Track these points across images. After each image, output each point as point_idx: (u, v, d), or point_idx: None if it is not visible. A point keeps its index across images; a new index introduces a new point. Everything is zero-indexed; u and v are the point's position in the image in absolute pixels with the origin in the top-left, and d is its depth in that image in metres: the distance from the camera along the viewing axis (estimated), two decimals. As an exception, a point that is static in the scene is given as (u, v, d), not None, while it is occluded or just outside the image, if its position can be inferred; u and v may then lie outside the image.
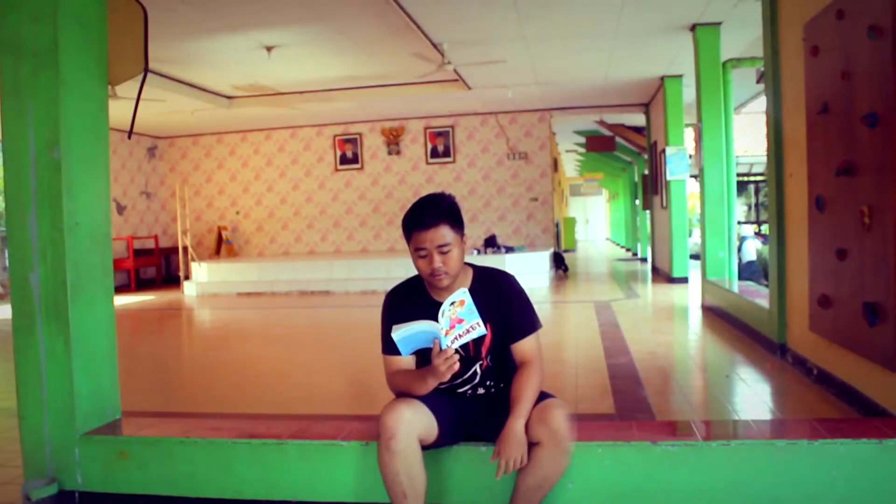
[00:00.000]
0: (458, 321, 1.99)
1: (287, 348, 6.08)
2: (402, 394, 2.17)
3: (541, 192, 12.54)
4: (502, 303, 2.19)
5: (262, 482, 2.54)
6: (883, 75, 2.83)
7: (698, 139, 7.42)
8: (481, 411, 2.26)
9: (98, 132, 2.82)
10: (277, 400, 4.11)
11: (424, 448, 2.15)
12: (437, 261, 2.08)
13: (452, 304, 1.97)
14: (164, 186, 13.92)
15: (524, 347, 2.18)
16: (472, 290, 2.18)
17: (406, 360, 2.22)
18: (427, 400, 2.10)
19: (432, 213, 2.10)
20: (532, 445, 2.06)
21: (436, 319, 2.02)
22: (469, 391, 2.28)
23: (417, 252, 2.11)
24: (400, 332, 1.97)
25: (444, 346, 1.98)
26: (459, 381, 2.24)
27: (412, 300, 2.23)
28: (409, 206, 2.20)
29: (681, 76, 9.50)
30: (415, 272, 2.27)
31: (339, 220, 13.19)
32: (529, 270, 10.18)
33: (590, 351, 5.12)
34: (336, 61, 8.45)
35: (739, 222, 14.01)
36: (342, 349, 5.92)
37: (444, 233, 2.09)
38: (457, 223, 2.14)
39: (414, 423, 2.04)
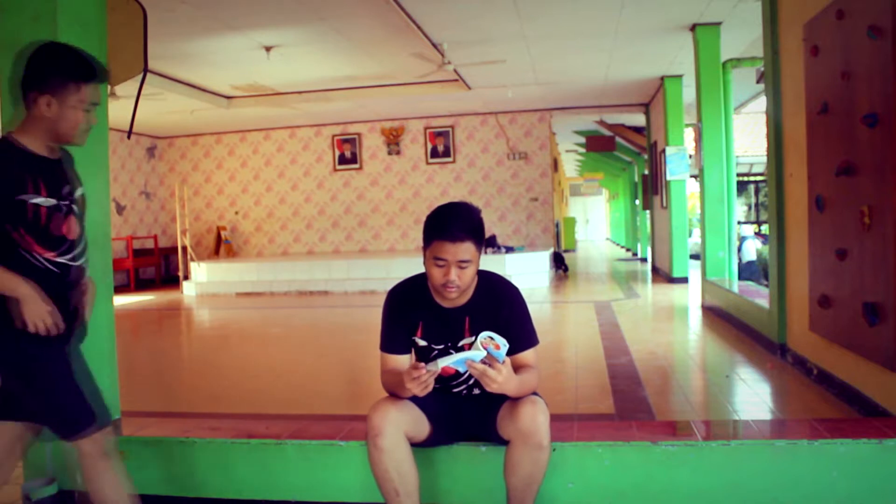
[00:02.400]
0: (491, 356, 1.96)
1: (286, 348, 6.08)
2: (393, 392, 2.18)
3: (541, 192, 12.54)
4: (502, 313, 2.19)
5: (262, 482, 2.54)
6: (883, 75, 2.83)
7: (698, 139, 7.42)
8: (476, 410, 2.27)
9: (97, 132, 2.81)
10: (276, 400, 4.10)
11: (418, 446, 2.17)
12: (454, 274, 2.06)
13: (491, 338, 1.95)
14: (164, 186, 13.91)
15: (522, 360, 2.17)
16: (474, 296, 2.20)
17: (401, 360, 2.23)
18: (419, 398, 2.10)
19: (462, 227, 2.06)
20: (507, 445, 2.11)
21: (437, 323, 2.05)
22: (464, 391, 2.28)
23: (435, 260, 2.08)
24: (444, 362, 1.94)
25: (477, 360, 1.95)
26: (454, 381, 2.25)
27: (416, 302, 2.23)
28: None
29: (681, 76, 9.50)
30: (416, 271, 2.27)
31: (337, 221, 13.18)
32: (529, 270, 10.18)
33: (590, 351, 5.12)
34: (335, 61, 8.44)
35: (739, 222, 14.01)
36: (341, 349, 5.92)
37: (468, 248, 2.06)
38: (481, 241, 2.12)
39: (400, 420, 2.07)
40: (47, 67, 1.95)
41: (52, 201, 1.96)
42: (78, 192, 2.07)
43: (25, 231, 1.92)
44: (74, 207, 2.03)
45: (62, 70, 1.95)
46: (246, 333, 7.24)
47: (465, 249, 2.06)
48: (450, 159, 12.69)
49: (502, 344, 1.95)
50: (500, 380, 1.94)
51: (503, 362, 1.96)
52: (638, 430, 2.53)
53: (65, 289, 2.01)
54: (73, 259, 2.02)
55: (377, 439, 2.02)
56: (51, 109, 1.93)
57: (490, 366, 1.94)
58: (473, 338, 2.13)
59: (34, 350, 1.93)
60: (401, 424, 2.07)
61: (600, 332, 5.91)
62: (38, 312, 1.89)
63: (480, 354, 1.93)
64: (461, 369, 1.98)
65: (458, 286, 2.09)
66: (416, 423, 2.15)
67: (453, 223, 2.07)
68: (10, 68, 2.62)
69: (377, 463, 2.04)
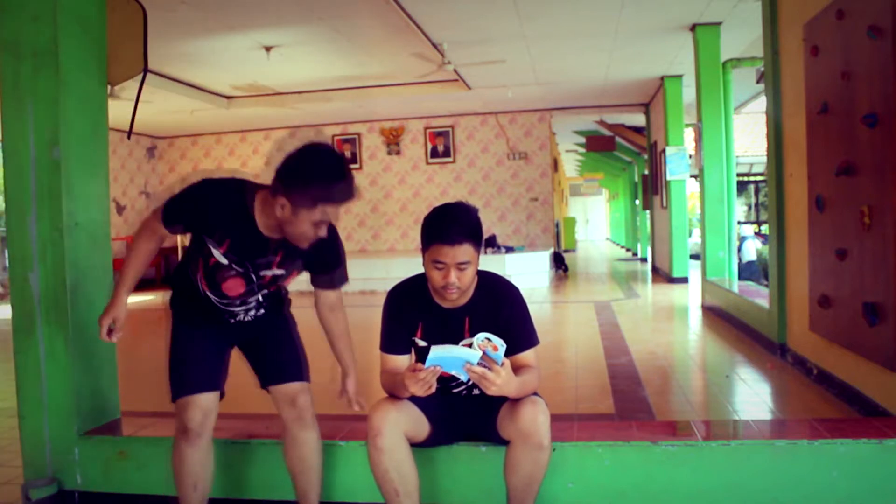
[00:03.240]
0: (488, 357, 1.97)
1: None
2: (392, 392, 2.18)
3: (541, 192, 12.54)
4: (502, 313, 2.19)
5: (262, 482, 2.54)
6: (883, 75, 2.83)
7: (698, 139, 7.42)
8: (476, 411, 2.27)
9: (98, 132, 2.82)
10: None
11: (418, 446, 2.17)
12: (453, 276, 2.06)
13: (488, 339, 1.95)
14: (164, 186, 13.91)
15: (523, 361, 2.17)
16: (474, 297, 2.20)
17: (401, 360, 2.23)
18: (418, 398, 2.10)
19: (459, 229, 2.05)
20: (507, 445, 2.11)
21: (438, 324, 2.06)
22: (464, 391, 2.28)
23: (434, 263, 2.07)
24: (438, 353, 1.94)
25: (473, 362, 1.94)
26: (454, 382, 2.25)
27: (416, 303, 2.23)
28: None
29: (681, 76, 9.50)
30: (416, 271, 2.27)
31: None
32: (529, 270, 10.18)
33: (590, 351, 5.12)
34: (335, 61, 8.44)
35: (739, 222, 14.01)
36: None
37: (466, 250, 2.05)
38: (479, 241, 2.11)
39: (400, 420, 2.07)
40: (296, 173, 1.95)
41: (224, 260, 2.09)
42: (274, 271, 2.15)
43: (202, 261, 2.14)
44: (253, 276, 2.14)
45: (307, 183, 1.93)
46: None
47: (464, 252, 2.05)
48: (450, 159, 12.69)
49: (500, 345, 1.94)
50: (500, 382, 1.93)
51: (502, 364, 1.95)
52: (638, 430, 2.54)
53: (213, 308, 2.21)
54: (226, 305, 2.20)
55: (377, 440, 2.03)
56: (284, 212, 1.97)
57: (489, 368, 1.93)
58: (473, 338, 2.13)
59: (174, 325, 2.30)
60: (400, 425, 2.07)
61: (600, 332, 5.91)
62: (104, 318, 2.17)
63: (476, 355, 1.92)
64: (463, 377, 1.98)
65: (458, 288, 2.09)
66: (415, 423, 2.15)
67: (451, 226, 2.05)
68: (10, 68, 2.64)
69: (377, 463, 2.04)
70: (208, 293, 2.16)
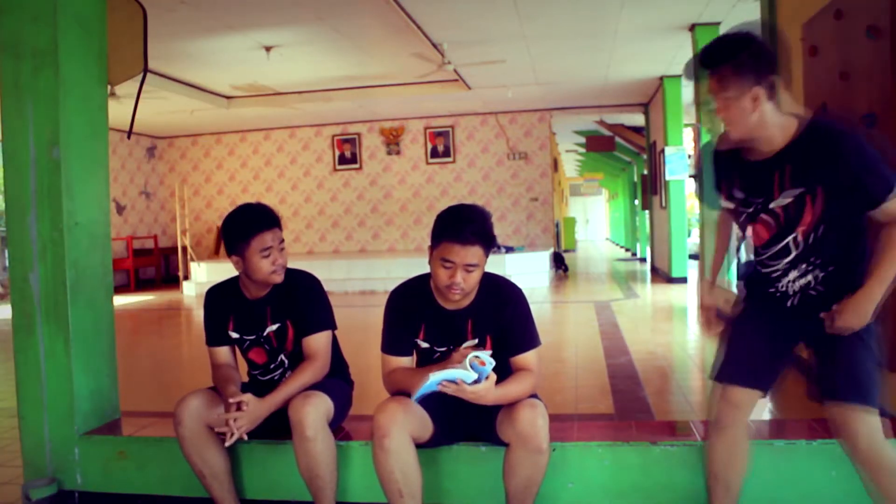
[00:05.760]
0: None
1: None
2: (396, 392, 2.17)
3: (541, 192, 12.54)
4: (504, 314, 2.19)
5: (262, 482, 2.54)
6: (881, 75, 2.83)
7: (697, 139, 7.43)
8: (477, 412, 2.26)
9: (98, 132, 2.83)
10: (277, 400, 4.09)
11: (420, 446, 2.17)
12: (459, 277, 2.06)
13: (477, 356, 1.97)
14: (164, 186, 13.91)
15: (523, 362, 2.17)
16: (477, 298, 2.20)
17: (404, 362, 2.23)
18: (421, 399, 2.10)
19: (473, 230, 2.05)
20: (506, 448, 2.12)
21: (440, 325, 2.09)
22: None
23: (443, 261, 2.07)
24: (438, 376, 1.96)
25: (468, 381, 1.98)
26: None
27: (418, 304, 2.23)
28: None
29: (680, 76, 9.50)
30: (416, 271, 2.27)
31: (337, 221, 13.18)
32: (529, 270, 10.18)
33: (590, 351, 5.12)
34: (335, 61, 8.45)
35: (739, 222, 13.96)
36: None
37: (476, 252, 2.06)
38: (489, 246, 2.11)
39: (406, 421, 2.06)
40: (228, 234, 2.41)
41: (236, 335, 2.50)
42: (271, 328, 2.46)
43: (240, 351, 2.55)
44: (262, 341, 2.48)
45: (233, 233, 2.40)
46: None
47: (474, 253, 2.05)
48: (450, 159, 12.69)
49: (488, 361, 1.97)
50: (470, 396, 1.98)
51: (487, 377, 1.97)
52: (637, 431, 2.54)
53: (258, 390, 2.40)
54: (260, 375, 2.53)
55: (384, 440, 2.01)
56: (241, 266, 2.40)
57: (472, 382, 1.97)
58: (475, 340, 2.15)
59: None
60: (407, 426, 2.06)
61: (600, 332, 5.91)
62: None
63: (471, 377, 1.95)
64: (434, 389, 1.99)
65: (462, 289, 2.08)
66: (421, 424, 2.15)
67: (465, 226, 2.05)
68: (10, 68, 2.65)
69: (382, 464, 2.03)
70: (252, 372, 2.54)
